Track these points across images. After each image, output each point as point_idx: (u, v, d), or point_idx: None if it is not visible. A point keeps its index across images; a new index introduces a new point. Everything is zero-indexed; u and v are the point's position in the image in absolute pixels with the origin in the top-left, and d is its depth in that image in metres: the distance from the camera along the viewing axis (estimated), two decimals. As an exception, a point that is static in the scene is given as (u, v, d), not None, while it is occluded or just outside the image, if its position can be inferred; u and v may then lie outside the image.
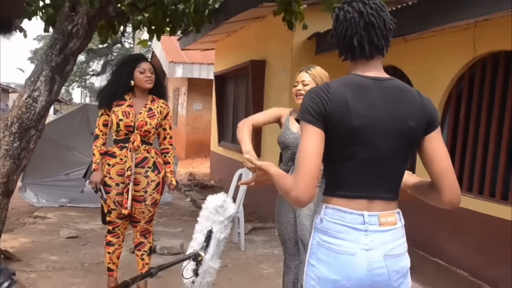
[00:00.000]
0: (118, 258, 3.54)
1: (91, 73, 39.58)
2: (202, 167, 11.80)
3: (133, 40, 25.22)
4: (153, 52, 14.47)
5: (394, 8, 4.59)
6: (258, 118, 2.97)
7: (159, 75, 3.50)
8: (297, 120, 1.59)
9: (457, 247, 4.54)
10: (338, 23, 1.60)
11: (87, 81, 44.25)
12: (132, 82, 3.33)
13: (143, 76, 3.32)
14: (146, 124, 3.30)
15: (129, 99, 3.35)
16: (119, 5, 5.19)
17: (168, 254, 4.76)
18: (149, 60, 3.49)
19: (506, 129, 4.21)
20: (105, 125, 3.39)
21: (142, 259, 3.53)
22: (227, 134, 9.10)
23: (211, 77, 12.39)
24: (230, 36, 8.45)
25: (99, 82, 47.07)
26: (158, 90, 3.45)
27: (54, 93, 4.21)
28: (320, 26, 5.67)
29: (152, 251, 3.64)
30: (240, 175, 5.25)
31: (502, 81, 4.28)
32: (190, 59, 12.89)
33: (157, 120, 3.36)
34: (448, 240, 4.65)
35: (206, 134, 12.91)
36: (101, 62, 34.93)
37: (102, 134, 3.40)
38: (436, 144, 1.60)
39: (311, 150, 1.49)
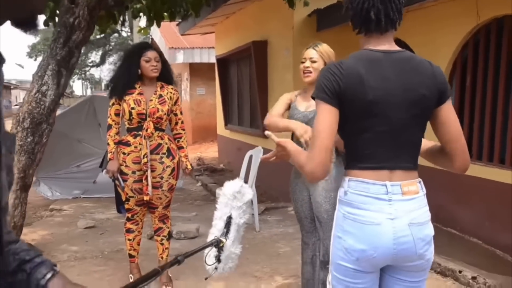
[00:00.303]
0: (138, 244, 3.63)
1: (91, 64, 39.48)
2: (209, 151, 11.88)
3: (130, 29, 25.10)
4: (152, 39, 14.41)
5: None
6: (278, 109, 3.06)
7: (166, 62, 3.54)
8: (313, 98, 1.63)
9: (469, 215, 4.60)
10: None
11: (87, 73, 44.18)
12: (139, 70, 3.37)
13: (148, 65, 3.36)
14: (158, 111, 3.35)
15: (139, 87, 3.40)
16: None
17: (184, 238, 4.85)
18: (153, 47, 3.50)
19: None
20: (117, 115, 3.45)
21: (162, 244, 3.61)
22: (233, 116, 9.14)
23: (212, 60, 12.35)
24: (229, 18, 8.43)
25: (99, 73, 47.02)
26: (166, 76, 3.49)
27: (62, 86, 4.26)
28: (320, 3, 5.66)
29: (170, 235, 3.72)
30: (251, 157, 5.31)
31: (508, 46, 4.28)
32: (190, 44, 12.85)
33: (168, 106, 3.41)
34: (460, 209, 4.71)
35: (211, 118, 12.94)
36: (100, 52, 34.82)
37: (115, 124, 3.45)
38: (448, 112, 1.66)
39: (325, 126, 1.54)
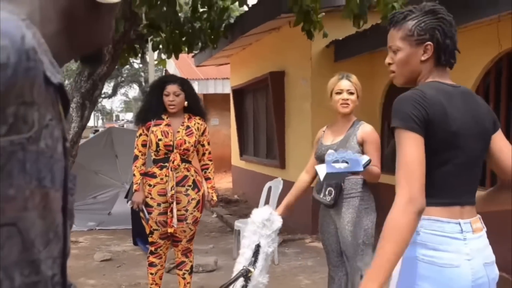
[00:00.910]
0: (160, 278, 3.60)
1: (103, 95, 40.07)
2: (223, 182, 11.86)
3: (141, 61, 25.53)
4: (166, 71, 14.66)
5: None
6: (310, 162, 3.15)
7: (193, 93, 3.58)
8: (392, 128, 1.53)
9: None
10: (448, 26, 1.60)
11: (99, 104, 44.85)
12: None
13: (166, 99, 3.40)
14: (185, 143, 3.37)
15: (167, 118, 3.44)
16: (138, 28, 5.34)
17: (203, 271, 4.80)
18: (180, 80, 3.55)
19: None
20: (143, 145, 3.47)
21: (184, 278, 3.58)
22: (248, 147, 9.18)
23: (226, 91, 12.51)
24: (245, 49, 8.57)
25: (110, 104, 47.68)
26: (193, 107, 3.52)
27: (86, 118, 4.34)
28: (337, 33, 5.73)
29: (192, 270, 3.68)
30: (269, 188, 5.29)
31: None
32: (204, 75, 13.04)
33: (195, 137, 3.43)
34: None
35: (225, 148, 12.99)
36: (112, 84, 35.39)
37: (142, 155, 3.48)
38: (502, 140, 1.66)
39: (418, 158, 1.44)
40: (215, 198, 3.55)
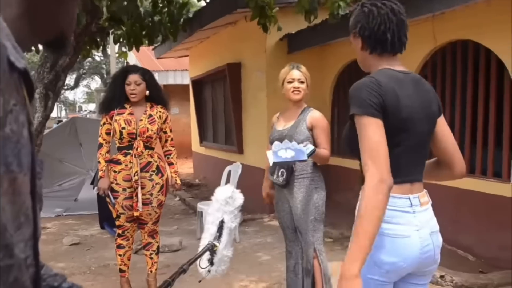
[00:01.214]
0: (129, 259, 3.54)
1: (65, 87, 38.62)
2: (184, 167, 11.75)
3: (102, 53, 24.76)
4: (127, 63, 14.27)
5: (360, 7, 4.71)
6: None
7: (154, 83, 3.50)
8: (352, 115, 1.53)
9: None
10: (371, 18, 1.59)
11: (62, 95, 43.22)
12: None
13: (128, 88, 3.33)
14: (148, 131, 3.31)
15: (129, 107, 3.36)
16: (100, 21, 5.16)
17: (168, 251, 4.76)
18: (141, 70, 3.46)
19: (469, 110, 4.41)
20: (107, 134, 3.39)
21: (151, 258, 3.54)
22: (207, 134, 9.12)
23: (186, 82, 12.34)
24: (203, 42, 8.46)
25: (73, 95, 46.07)
26: (154, 97, 3.45)
27: (49, 108, 4.18)
28: (290, 27, 5.75)
29: (159, 250, 3.65)
30: (229, 172, 5.29)
31: (461, 67, 4.46)
32: (164, 67, 12.81)
33: (158, 125, 3.38)
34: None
35: (185, 136, 12.85)
36: (74, 76, 34.13)
37: (106, 142, 3.39)
38: (445, 125, 1.71)
39: (382, 141, 1.45)
40: (178, 181, 3.52)
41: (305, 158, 2.67)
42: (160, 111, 3.44)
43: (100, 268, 4.35)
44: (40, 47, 5.05)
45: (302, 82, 2.97)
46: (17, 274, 0.58)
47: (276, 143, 2.82)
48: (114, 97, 3.39)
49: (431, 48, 4.64)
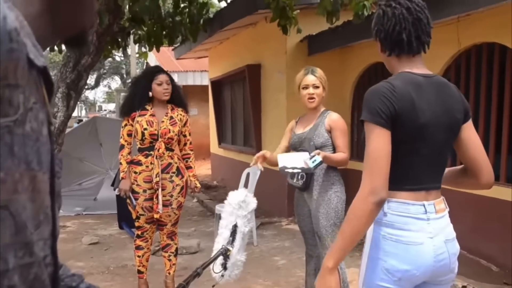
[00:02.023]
0: (147, 260, 3.57)
1: (86, 87, 39.23)
2: (202, 169, 11.81)
3: (123, 53, 25.06)
4: (147, 63, 14.42)
5: (383, 9, 4.66)
6: (282, 143, 3.18)
7: (177, 85, 3.53)
8: (362, 121, 1.53)
9: (455, 228, 4.63)
10: (386, 19, 1.57)
11: (82, 95, 43.85)
12: (150, 93, 3.36)
13: (160, 88, 3.34)
14: (169, 132, 3.33)
15: (151, 108, 3.38)
16: (121, 22, 5.22)
17: (186, 253, 4.78)
18: (166, 72, 3.50)
19: (493, 115, 4.32)
20: (129, 135, 3.41)
21: (170, 259, 3.56)
22: (226, 136, 9.13)
23: (205, 83, 12.40)
24: (222, 43, 8.48)
25: (93, 95, 46.74)
26: (175, 99, 3.47)
27: (71, 108, 4.23)
28: (311, 29, 5.73)
29: (177, 252, 3.66)
30: (248, 174, 5.29)
31: (486, 70, 4.37)
32: (183, 68, 12.89)
33: (179, 127, 3.39)
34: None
35: (203, 137, 12.91)
36: (94, 75, 34.62)
37: (127, 144, 3.41)
38: (471, 132, 1.64)
39: (383, 151, 1.44)
40: (198, 185, 3.52)
41: (312, 170, 2.78)
42: (181, 114, 3.45)
43: (118, 268, 4.39)
44: (63, 46, 5.14)
45: (317, 87, 2.93)
46: (37, 271, 0.59)
47: (283, 163, 2.87)
48: (137, 97, 3.39)
49: (455, 51, 4.56)
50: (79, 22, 0.73)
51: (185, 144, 3.53)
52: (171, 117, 3.39)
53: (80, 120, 21.66)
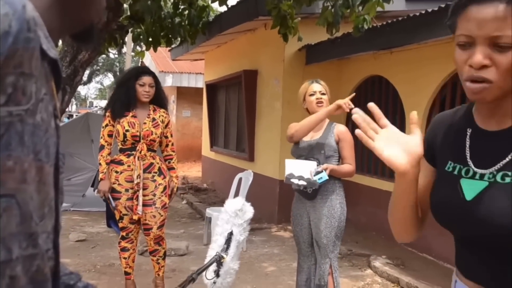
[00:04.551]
0: (133, 261, 3.51)
1: (78, 82, 38.92)
2: (192, 171, 11.75)
3: (118, 51, 24.92)
4: (142, 62, 14.35)
5: (384, 23, 4.69)
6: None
7: (161, 87, 3.48)
8: None
9: (444, 244, 4.64)
10: None
11: (74, 90, 43.44)
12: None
13: (141, 89, 3.30)
14: (152, 134, 3.30)
15: (132, 110, 3.33)
16: (120, 19, 5.19)
17: (175, 255, 4.73)
18: (152, 73, 3.43)
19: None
20: (110, 136, 3.36)
21: (158, 263, 3.51)
22: (218, 139, 9.09)
23: (199, 85, 12.36)
24: (220, 47, 8.46)
25: (85, 90, 46.39)
26: (158, 100, 3.43)
27: (65, 102, 4.19)
28: (310, 38, 5.73)
29: (165, 254, 3.59)
30: (240, 179, 5.26)
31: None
32: (179, 69, 12.84)
33: (161, 129, 3.36)
34: (435, 237, 4.75)
35: (195, 139, 12.88)
36: (87, 71, 34.42)
37: (107, 144, 3.36)
38: None
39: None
40: (175, 189, 3.47)
41: (317, 187, 2.84)
42: (162, 115, 3.42)
43: (105, 267, 4.32)
44: (59, 41, 5.08)
45: (323, 94, 3.02)
46: (40, 264, 0.58)
47: (290, 169, 2.88)
48: (129, 99, 3.31)
49: (452, 68, 4.59)
50: (87, 16, 0.72)
51: (167, 146, 3.50)
52: (154, 119, 3.35)
53: (71, 115, 21.40)
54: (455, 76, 4.69)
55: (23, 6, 0.51)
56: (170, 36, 6.09)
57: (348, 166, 2.92)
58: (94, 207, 6.40)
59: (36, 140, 0.55)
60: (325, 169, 2.81)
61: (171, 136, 3.52)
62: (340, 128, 3.01)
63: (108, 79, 38.37)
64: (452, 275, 1.23)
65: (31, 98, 0.53)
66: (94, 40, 0.78)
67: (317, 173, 2.80)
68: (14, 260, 0.53)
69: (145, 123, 3.30)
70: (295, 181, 2.86)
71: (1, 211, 0.51)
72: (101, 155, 3.33)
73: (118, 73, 31.49)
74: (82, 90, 44.60)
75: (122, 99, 3.33)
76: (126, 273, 3.49)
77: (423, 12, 4.16)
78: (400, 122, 5.36)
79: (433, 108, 4.95)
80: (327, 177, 2.80)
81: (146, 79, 3.31)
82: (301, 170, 2.86)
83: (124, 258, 3.46)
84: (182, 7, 5.83)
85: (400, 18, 4.50)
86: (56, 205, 0.64)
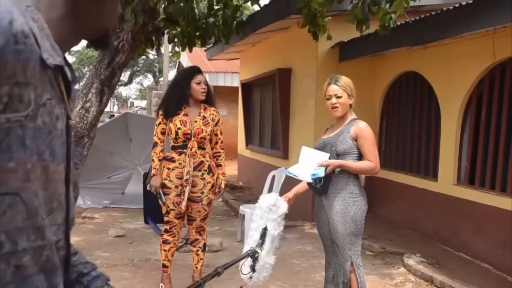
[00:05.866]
0: (172, 255, 3.64)
1: (119, 83, 40.05)
2: (228, 169, 11.82)
3: (156, 52, 25.44)
4: (179, 62, 14.64)
5: (417, 18, 4.62)
6: None
7: (209, 86, 3.60)
8: None
9: (481, 242, 4.53)
10: None
11: (115, 91, 44.70)
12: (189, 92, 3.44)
13: (199, 87, 3.42)
14: (202, 132, 3.41)
15: (184, 108, 3.45)
16: (156, 22, 5.34)
17: (209, 251, 4.79)
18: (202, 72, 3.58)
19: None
20: (163, 133, 3.50)
21: (197, 254, 3.63)
22: (254, 138, 9.19)
23: (235, 84, 12.50)
24: (254, 46, 8.54)
25: (126, 91, 47.67)
26: (208, 99, 3.54)
27: (104, 103, 4.35)
28: (343, 35, 5.71)
29: (205, 247, 3.71)
30: (273, 177, 5.31)
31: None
32: (215, 69, 13.02)
33: (211, 127, 3.47)
34: (471, 236, 4.64)
35: (231, 138, 12.98)
36: (128, 72, 35.33)
37: (160, 142, 3.50)
38: None
39: None
40: (223, 185, 3.57)
41: (310, 180, 2.88)
42: (213, 114, 3.52)
43: (142, 262, 4.48)
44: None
45: (339, 97, 2.92)
46: (49, 254, 0.64)
47: (302, 158, 2.96)
48: (182, 97, 3.44)
49: (489, 63, 4.47)
50: (101, 25, 0.77)
51: (216, 143, 3.60)
52: (204, 117, 3.46)
53: (112, 115, 22.07)
54: (492, 70, 4.57)
55: (9, 21, 0.56)
56: (204, 36, 6.20)
57: (366, 162, 2.85)
58: (133, 204, 6.63)
59: (39, 142, 0.60)
60: (327, 166, 2.79)
61: (221, 134, 3.61)
62: (359, 125, 2.92)
63: (148, 80, 39.29)
64: None
65: (30, 105, 0.58)
66: (109, 46, 0.85)
67: (319, 168, 2.80)
68: (20, 251, 0.59)
69: (196, 121, 3.42)
70: (291, 175, 2.92)
71: (5, 208, 0.57)
72: (154, 152, 3.48)
73: (157, 74, 32.18)
74: (123, 91, 45.87)
75: (177, 98, 3.46)
76: (164, 266, 3.62)
77: (457, 5, 4.07)
78: (435, 118, 5.26)
79: (469, 104, 4.84)
80: (323, 175, 2.77)
81: (201, 78, 3.46)
82: (312, 160, 2.87)
83: (165, 250, 3.59)
84: (216, 7, 5.93)
85: (433, 13, 4.41)
86: (68, 198, 0.70)
